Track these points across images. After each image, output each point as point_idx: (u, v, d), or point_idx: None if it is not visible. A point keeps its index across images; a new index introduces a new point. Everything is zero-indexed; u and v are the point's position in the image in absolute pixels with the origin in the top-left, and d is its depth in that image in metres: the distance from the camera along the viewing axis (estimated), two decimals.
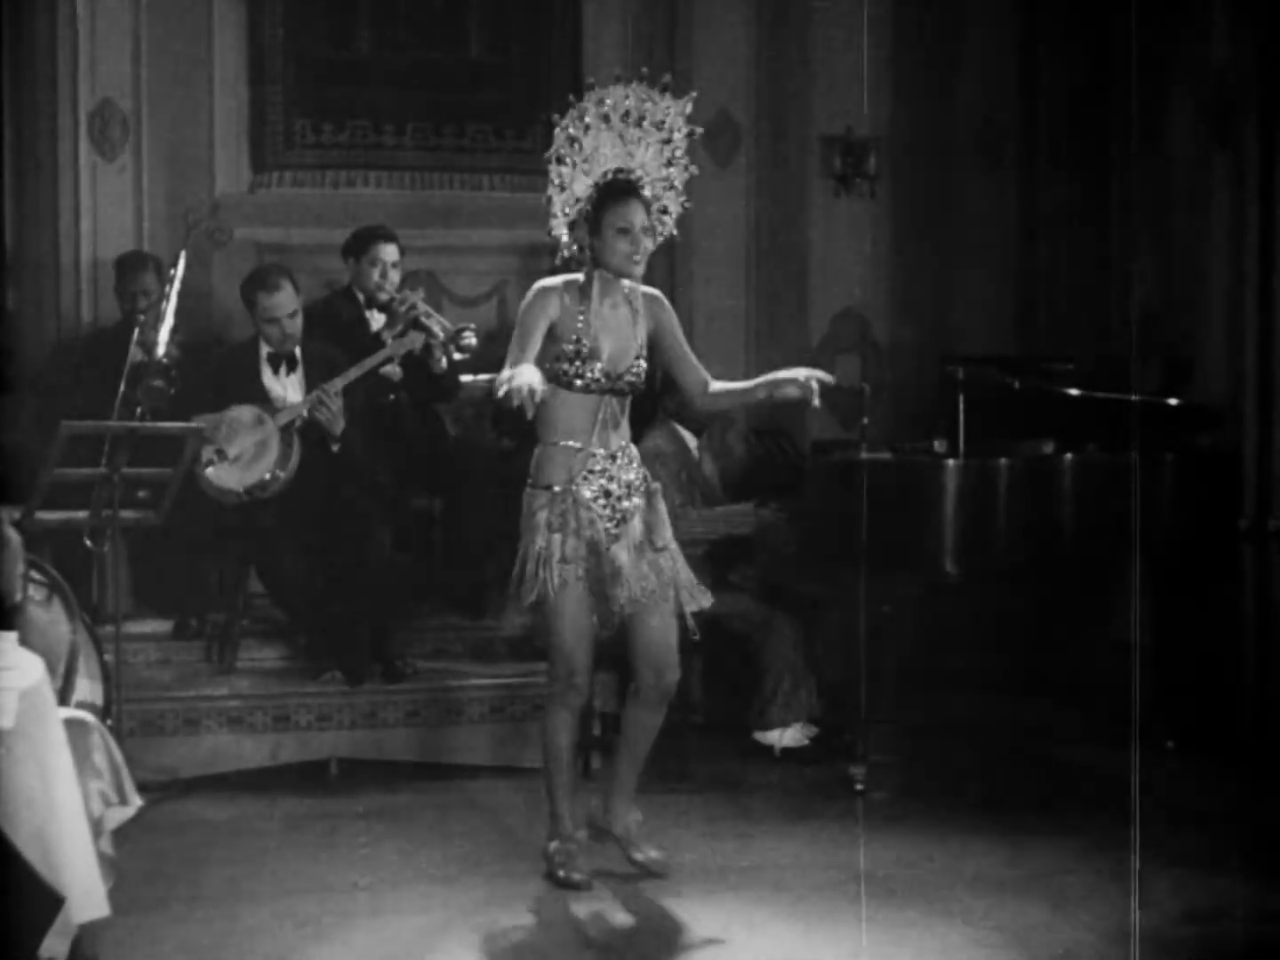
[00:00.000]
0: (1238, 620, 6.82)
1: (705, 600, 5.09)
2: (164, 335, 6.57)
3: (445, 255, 7.91)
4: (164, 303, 6.69)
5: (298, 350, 6.61)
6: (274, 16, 7.89)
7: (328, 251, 7.44)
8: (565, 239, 4.99)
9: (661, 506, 5.05)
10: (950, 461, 6.10)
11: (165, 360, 6.51)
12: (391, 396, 6.84)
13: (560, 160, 4.97)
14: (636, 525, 4.99)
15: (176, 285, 6.67)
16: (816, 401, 4.91)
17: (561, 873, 5.09)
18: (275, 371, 6.62)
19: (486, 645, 6.91)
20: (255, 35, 7.87)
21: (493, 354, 7.33)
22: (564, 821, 5.15)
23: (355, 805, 6.01)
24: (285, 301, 6.55)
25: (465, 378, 7.26)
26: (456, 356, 6.89)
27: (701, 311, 8.07)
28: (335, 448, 6.44)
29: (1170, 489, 6.42)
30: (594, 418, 4.96)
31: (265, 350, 6.62)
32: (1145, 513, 6.31)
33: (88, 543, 5.90)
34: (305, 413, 6.46)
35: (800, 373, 4.96)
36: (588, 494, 4.94)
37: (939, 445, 6.41)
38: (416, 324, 6.87)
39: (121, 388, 6.34)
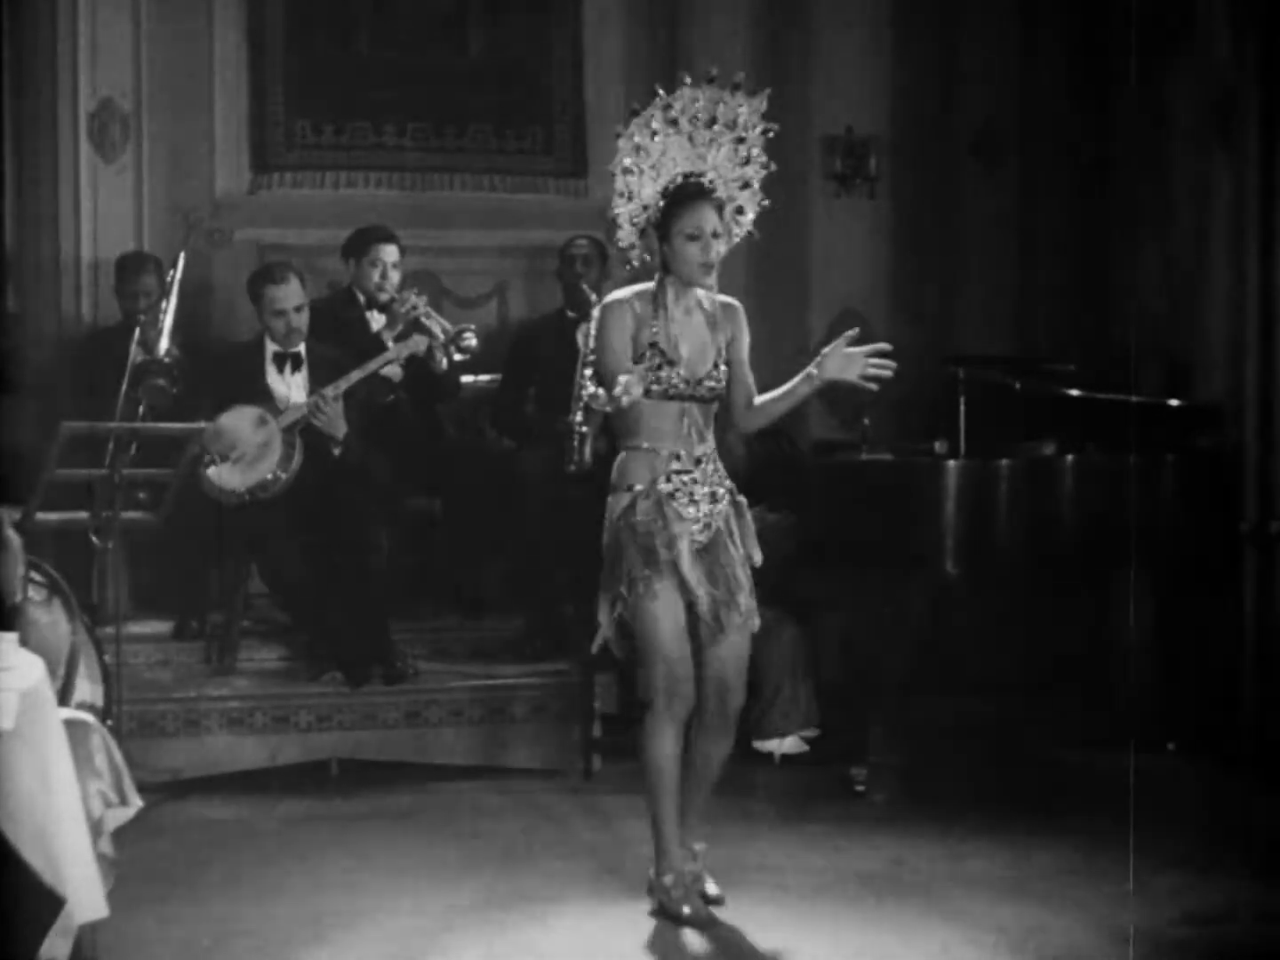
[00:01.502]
0: (1239, 622, 6.82)
1: (754, 623, 4.89)
2: (165, 335, 6.56)
3: (446, 256, 7.91)
4: (164, 302, 6.68)
5: (303, 350, 6.62)
6: (274, 16, 7.89)
7: (328, 251, 7.45)
8: (636, 248, 4.87)
9: (749, 518, 4.91)
10: (951, 462, 6.10)
11: (167, 359, 6.51)
12: (391, 397, 6.84)
13: (627, 171, 4.84)
14: (723, 537, 4.83)
15: (176, 285, 6.67)
16: (884, 372, 4.72)
17: (685, 909, 4.81)
18: (280, 371, 6.62)
19: (486, 645, 6.92)
20: (255, 35, 7.87)
21: (493, 354, 7.37)
22: (671, 854, 4.86)
23: (355, 806, 6.02)
24: (292, 294, 6.56)
25: (465, 378, 7.26)
26: (457, 357, 6.89)
27: None
28: (337, 451, 6.44)
29: (1171, 490, 6.42)
30: (677, 424, 4.83)
31: (271, 349, 6.63)
32: (1146, 514, 6.32)
33: (94, 539, 5.88)
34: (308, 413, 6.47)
35: (844, 350, 4.75)
36: (669, 489, 4.78)
37: (939, 446, 6.41)
38: (417, 325, 6.87)
39: (124, 387, 6.33)
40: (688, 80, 4.91)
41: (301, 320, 6.60)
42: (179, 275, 6.66)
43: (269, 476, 6.34)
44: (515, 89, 8.12)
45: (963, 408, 6.22)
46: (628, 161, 4.84)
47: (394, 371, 6.75)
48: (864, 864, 5.35)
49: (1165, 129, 7.53)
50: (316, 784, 6.24)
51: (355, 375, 6.47)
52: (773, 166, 4.98)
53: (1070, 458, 6.29)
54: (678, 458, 4.83)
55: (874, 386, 4.80)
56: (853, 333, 4.85)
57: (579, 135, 8.13)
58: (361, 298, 7.10)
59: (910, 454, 6.52)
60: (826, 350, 4.81)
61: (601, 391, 4.59)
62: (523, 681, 6.54)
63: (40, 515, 5.61)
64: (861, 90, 8.21)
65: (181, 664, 6.62)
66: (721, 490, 4.88)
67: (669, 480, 4.80)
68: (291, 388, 6.61)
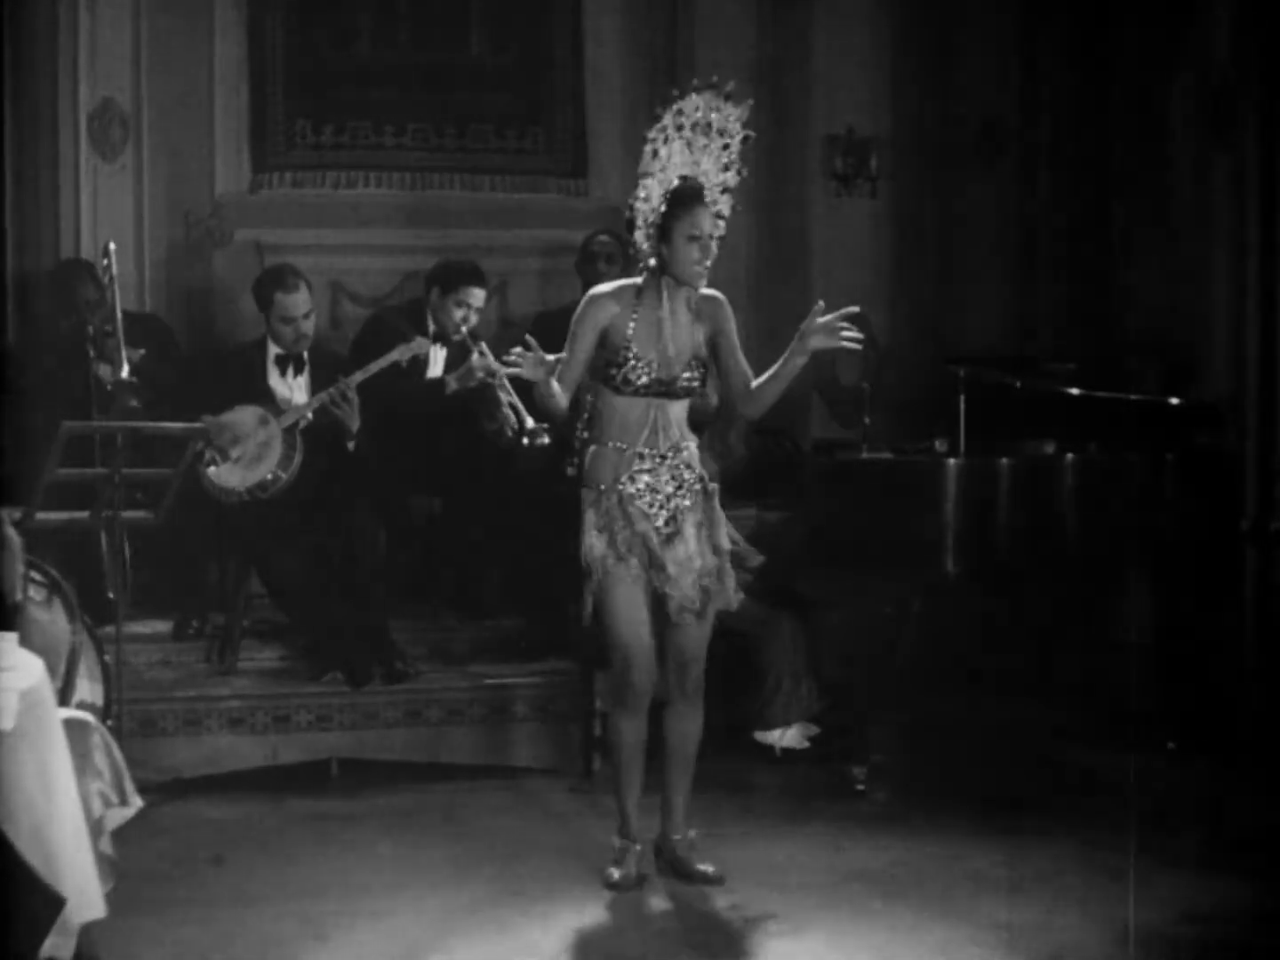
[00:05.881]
0: (1239, 621, 6.82)
1: (733, 603, 5.12)
2: (123, 343, 6.11)
3: (445, 256, 7.90)
4: (109, 296, 6.17)
5: (305, 353, 6.62)
6: (274, 16, 7.88)
7: (328, 251, 7.44)
8: (647, 250, 5.01)
9: (718, 509, 5.05)
10: (951, 461, 6.09)
11: (134, 380, 6.27)
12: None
13: (646, 174, 4.99)
14: (689, 527, 5.00)
15: (116, 286, 6.19)
16: (853, 343, 4.94)
17: (612, 870, 5.09)
18: (283, 373, 6.64)
19: (486, 645, 6.91)
20: (255, 35, 7.87)
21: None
22: (628, 821, 5.14)
23: (355, 806, 6.01)
24: (301, 302, 6.58)
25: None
26: (524, 441, 6.08)
27: None
28: (351, 445, 6.45)
29: (1171, 489, 6.42)
30: (644, 420, 4.99)
31: (274, 351, 6.63)
32: (1146, 513, 6.32)
33: (104, 544, 5.83)
34: (309, 415, 6.47)
35: (819, 320, 4.95)
36: (632, 490, 4.97)
37: (940, 445, 6.41)
38: (490, 394, 6.38)
39: (94, 412, 6.18)
40: (695, 84, 5.01)
41: (310, 326, 6.62)
42: (114, 269, 6.19)
43: (269, 477, 6.35)
44: (515, 89, 8.12)
45: (963, 407, 6.21)
46: (648, 166, 4.98)
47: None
48: (864, 863, 5.35)
49: (1165, 129, 7.54)
50: (316, 784, 6.23)
51: (358, 376, 6.46)
52: (744, 173, 5.09)
53: (1070, 457, 6.29)
54: (641, 456, 4.99)
55: (857, 347, 5.04)
56: (821, 305, 5.00)
57: (579, 135, 8.14)
58: (433, 328, 6.99)
59: (910, 454, 6.52)
60: (804, 326, 5.00)
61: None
62: (523, 681, 6.53)
63: (40, 515, 5.61)
64: (862, 90, 8.22)
65: (182, 664, 6.62)
66: (687, 482, 5.02)
67: (633, 480, 4.97)
68: (293, 390, 6.63)
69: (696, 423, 6.77)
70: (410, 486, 6.91)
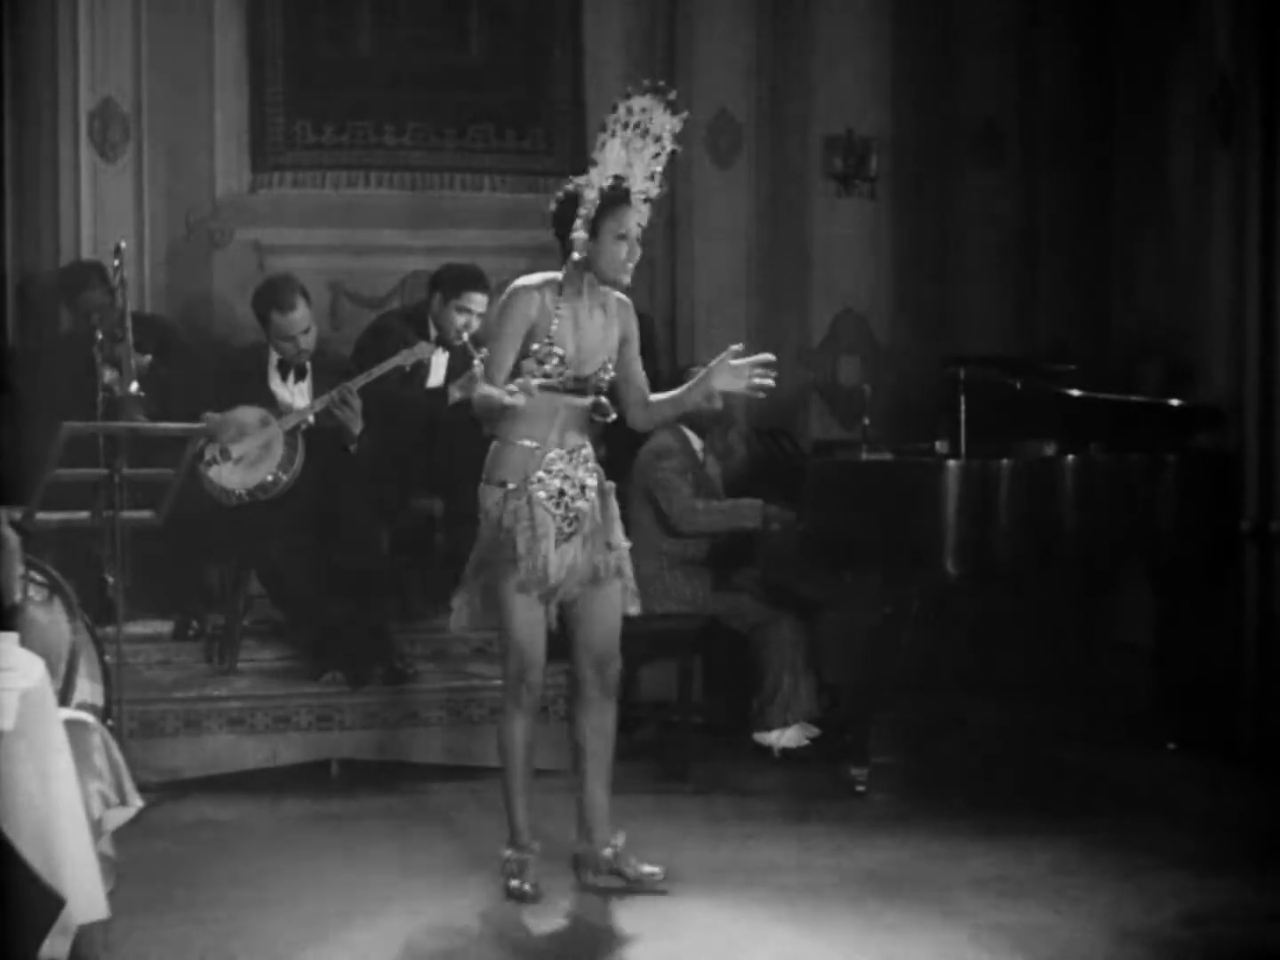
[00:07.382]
0: (1239, 622, 6.82)
1: (633, 608, 5.10)
2: (131, 349, 6.13)
3: (445, 256, 7.87)
4: (119, 299, 6.20)
5: (307, 360, 6.63)
6: (274, 17, 7.88)
7: (328, 252, 7.42)
8: (579, 241, 4.96)
9: (614, 506, 5.05)
10: (951, 462, 6.09)
11: (142, 394, 6.25)
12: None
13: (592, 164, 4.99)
14: (587, 525, 4.97)
15: (126, 289, 6.23)
16: (767, 381, 4.84)
17: (513, 882, 5.01)
18: (284, 378, 6.64)
19: (487, 645, 6.90)
20: (255, 35, 7.87)
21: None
22: (520, 830, 5.07)
23: (355, 806, 6.01)
24: (300, 319, 6.59)
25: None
26: None
27: (701, 311, 8.08)
28: (353, 448, 6.45)
29: (1172, 490, 6.42)
30: (556, 417, 4.93)
31: (275, 356, 6.64)
32: (1147, 514, 6.32)
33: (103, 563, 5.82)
34: (311, 418, 6.47)
35: (730, 362, 4.86)
36: (542, 494, 4.91)
37: (940, 446, 6.41)
38: None
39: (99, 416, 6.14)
40: (646, 84, 4.96)
41: (310, 340, 6.63)
42: (123, 271, 6.20)
43: (269, 478, 6.36)
44: (515, 89, 8.11)
45: (963, 408, 6.21)
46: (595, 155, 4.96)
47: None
48: (864, 864, 5.34)
49: (1165, 129, 7.54)
50: (316, 784, 6.24)
51: (361, 379, 6.46)
52: (665, 187, 5.03)
53: (1071, 458, 6.29)
54: (549, 455, 4.93)
55: (761, 394, 4.96)
56: (737, 348, 4.94)
57: (579, 135, 8.12)
58: (434, 332, 7.01)
59: (910, 454, 6.52)
60: (714, 363, 4.94)
61: (495, 391, 4.80)
62: None
63: (40, 515, 5.61)
64: (862, 90, 8.22)
65: (182, 664, 6.62)
66: (591, 480, 5.00)
67: (541, 480, 4.91)
68: (294, 394, 6.64)
69: (698, 424, 6.83)
70: (411, 488, 6.91)
